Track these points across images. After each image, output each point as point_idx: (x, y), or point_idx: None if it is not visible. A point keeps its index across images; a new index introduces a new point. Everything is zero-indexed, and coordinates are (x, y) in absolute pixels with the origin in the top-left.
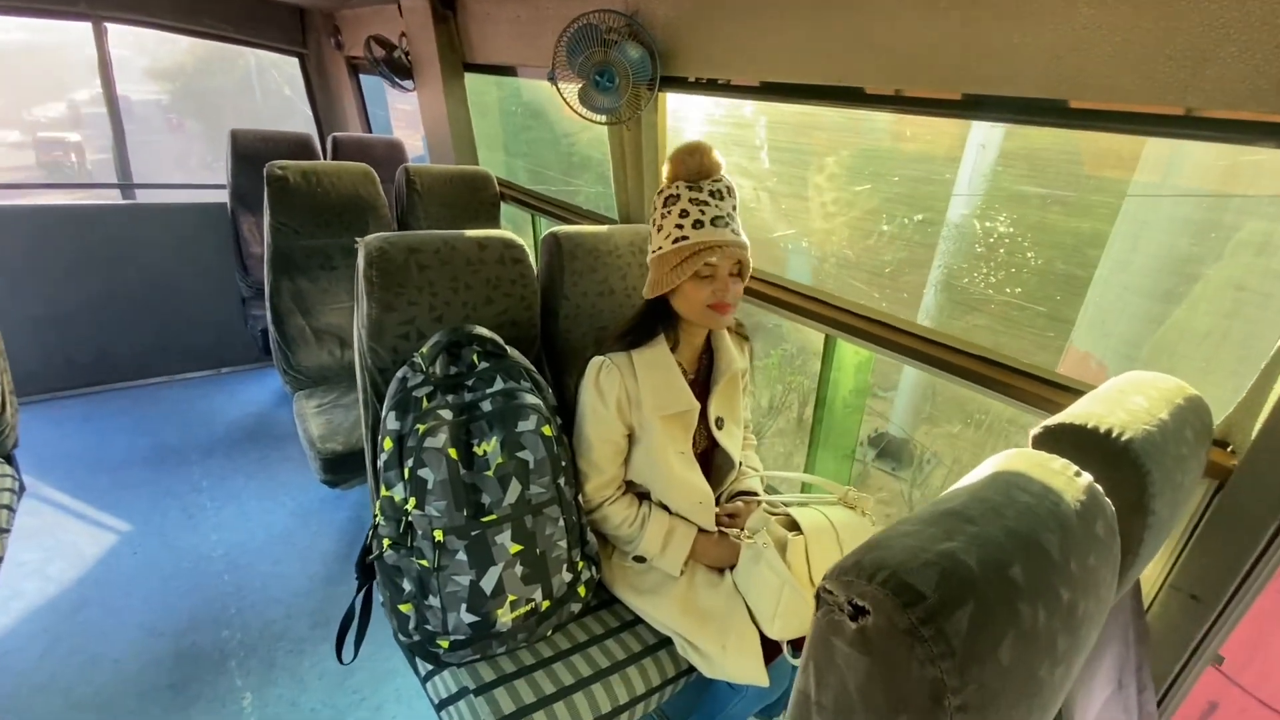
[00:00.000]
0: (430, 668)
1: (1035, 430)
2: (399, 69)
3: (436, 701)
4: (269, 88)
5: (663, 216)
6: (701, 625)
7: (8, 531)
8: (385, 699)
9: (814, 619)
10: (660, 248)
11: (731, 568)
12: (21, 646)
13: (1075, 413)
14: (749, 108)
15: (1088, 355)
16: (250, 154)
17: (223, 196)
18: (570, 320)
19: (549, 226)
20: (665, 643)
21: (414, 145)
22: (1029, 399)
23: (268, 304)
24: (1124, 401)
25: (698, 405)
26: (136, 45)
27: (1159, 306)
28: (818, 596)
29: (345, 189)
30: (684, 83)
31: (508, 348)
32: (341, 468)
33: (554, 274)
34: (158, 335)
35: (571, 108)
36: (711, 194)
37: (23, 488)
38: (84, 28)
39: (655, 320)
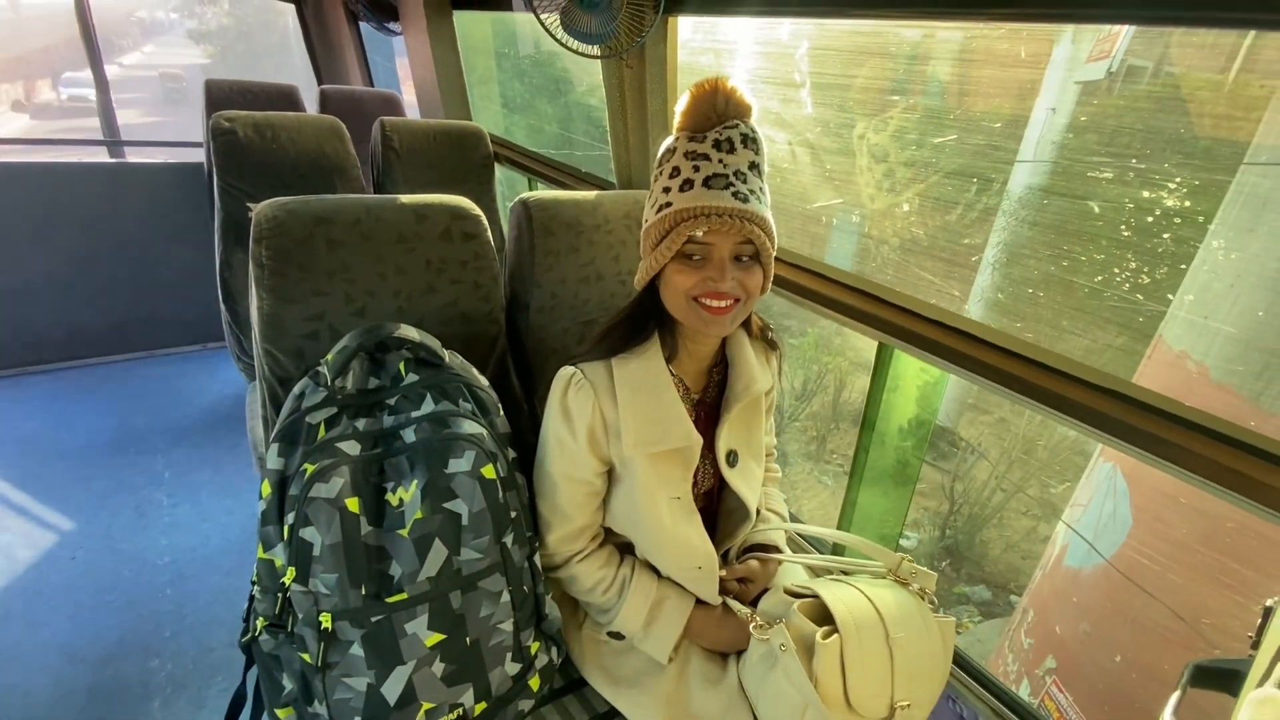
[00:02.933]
0: None
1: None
2: (384, 8)
3: None
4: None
5: (655, 179)
6: None
7: None
8: None
9: None
10: (646, 220)
11: (739, 655)
12: None
13: None
14: (785, 30)
15: (1183, 355)
16: (227, 107)
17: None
18: (545, 314)
19: None
20: None
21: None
22: (1208, 470)
23: (218, 280)
24: None
25: (699, 441)
26: (184, 7)
27: None
28: None
29: (308, 145)
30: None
31: (447, 354)
32: None
33: (522, 253)
34: (136, 306)
35: (556, 39)
36: (716, 144)
37: None
38: None
39: (647, 318)
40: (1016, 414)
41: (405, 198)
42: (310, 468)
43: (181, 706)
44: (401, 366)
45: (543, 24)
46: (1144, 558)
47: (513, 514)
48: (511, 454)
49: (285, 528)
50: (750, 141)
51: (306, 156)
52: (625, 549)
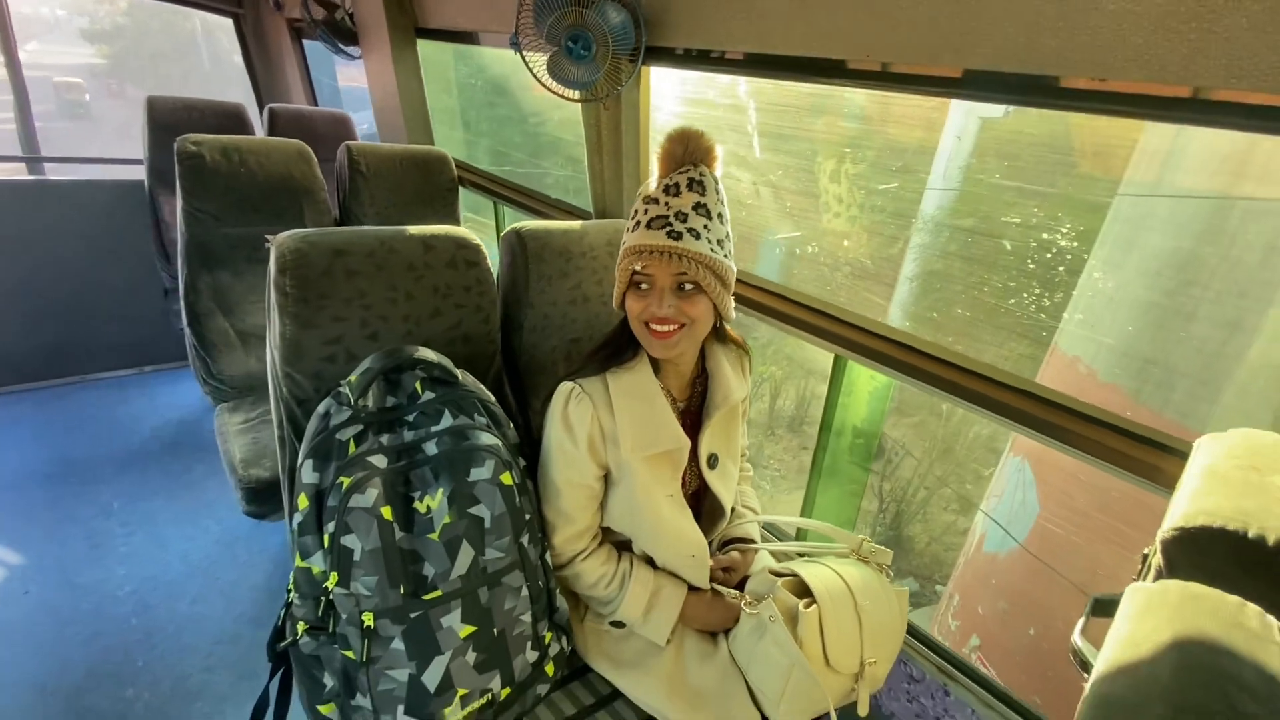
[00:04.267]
0: None
1: (1165, 534)
2: (343, 33)
3: None
4: (219, 54)
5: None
6: (693, 708)
7: None
8: None
9: None
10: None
11: (726, 632)
12: None
13: (1216, 511)
14: (744, 86)
15: (1075, 360)
16: (172, 125)
17: (142, 173)
18: (537, 333)
19: (515, 216)
20: None
21: (368, 122)
22: (1097, 450)
23: (182, 303)
24: (1269, 488)
25: (688, 443)
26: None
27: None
28: None
29: (275, 169)
30: (671, 54)
31: (459, 373)
32: (269, 499)
33: (517, 278)
34: (68, 329)
35: (540, 82)
36: (665, 189)
37: None
38: None
39: (631, 337)
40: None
41: (413, 229)
42: (346, 480)
43: None
44: (418, 385)
45: (528, 66)
46: (1054, 526)
47: (527, 516)
48: (522, 462)
49: (325, 537)
50: (696, 185)
51: (274, 180)
52: (621, 547)
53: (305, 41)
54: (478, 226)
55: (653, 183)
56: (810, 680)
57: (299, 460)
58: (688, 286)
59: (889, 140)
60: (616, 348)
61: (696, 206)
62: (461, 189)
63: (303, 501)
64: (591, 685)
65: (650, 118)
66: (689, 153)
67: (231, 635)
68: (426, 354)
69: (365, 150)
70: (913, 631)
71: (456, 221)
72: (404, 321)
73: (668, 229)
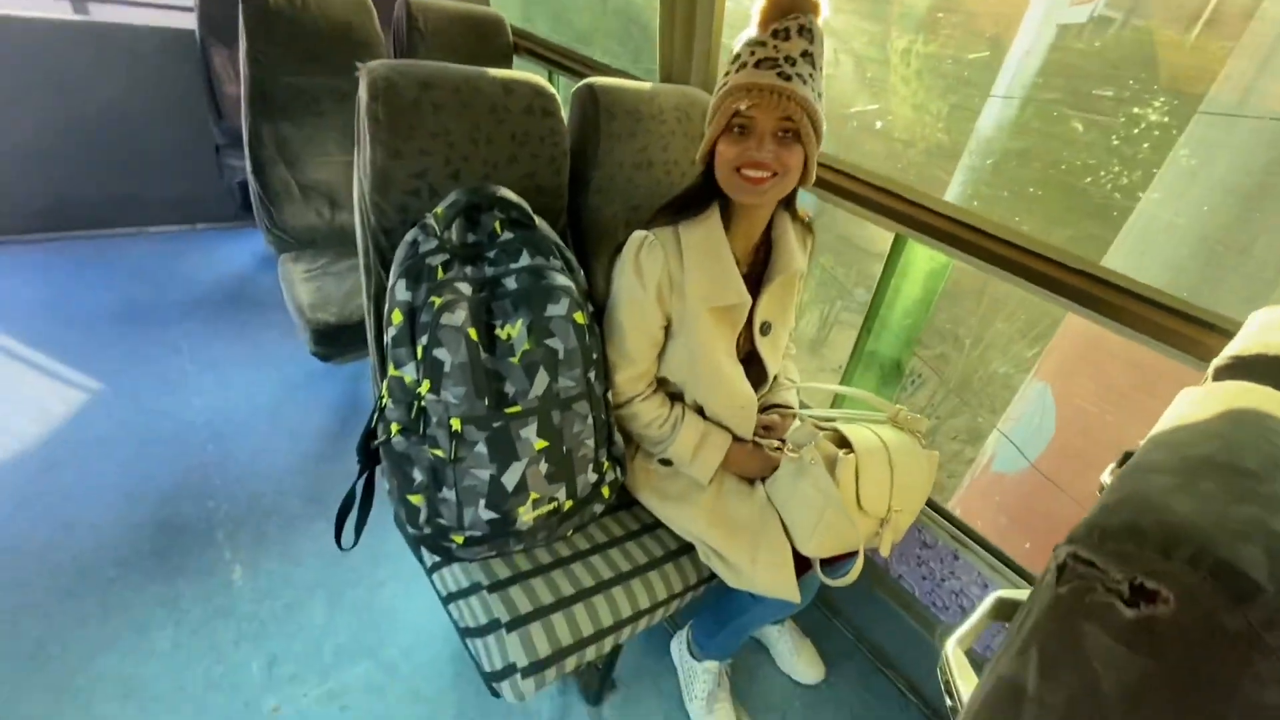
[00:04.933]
0: (438, 559)
1: (1219, 362)
2: None
3: (445, 594)
4: None
5: (724, 72)
6: (730, 536)
7: None
8: (385, 577)
9: (1047, 591)
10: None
11: (763, 480)
12: None
13: (1267, 341)
14: None
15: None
16: None
17: (185, 21)
18: (601, 194)
19: (570, 88)
20: (688, 548)
21: None
22: (1150, 329)
23: (246, 151)
24: None
25: (749, 300)
26: None
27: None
28: (1063, 567)
29: (336, 18)
30: None
31: (536, 217)
32: (335, 340)
33: (587, 135)
34: (122, 181)
35: None
36: (774, 33)
37: None
38: None
39: (710, 192)
40: (956, 348)
41: (494, 71)
42: (437, 300)
43: (244, 538)
44: (497, 225)
45: None
46: (1089, 405)
47: (594, 355)
48: (590, 306)
49: (418, 349)
50: (805, 32)
51: (335, 29)
52: (673, 398)
53: None
54: None
55: (753, 29)
56: (843, 518)
57: (391, 281)
58: (788, 133)
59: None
60: (691, 199)
61: (804, 54)
62: (515, 57)
63: (396, 316)
64: (638, 515)
65: None
66: (798, 2)
67: (299, 468)
68: (507, 194)
69: (424, 6)
70: (930, 503)
71: None
72: (483, 164)
73: (778, 70)
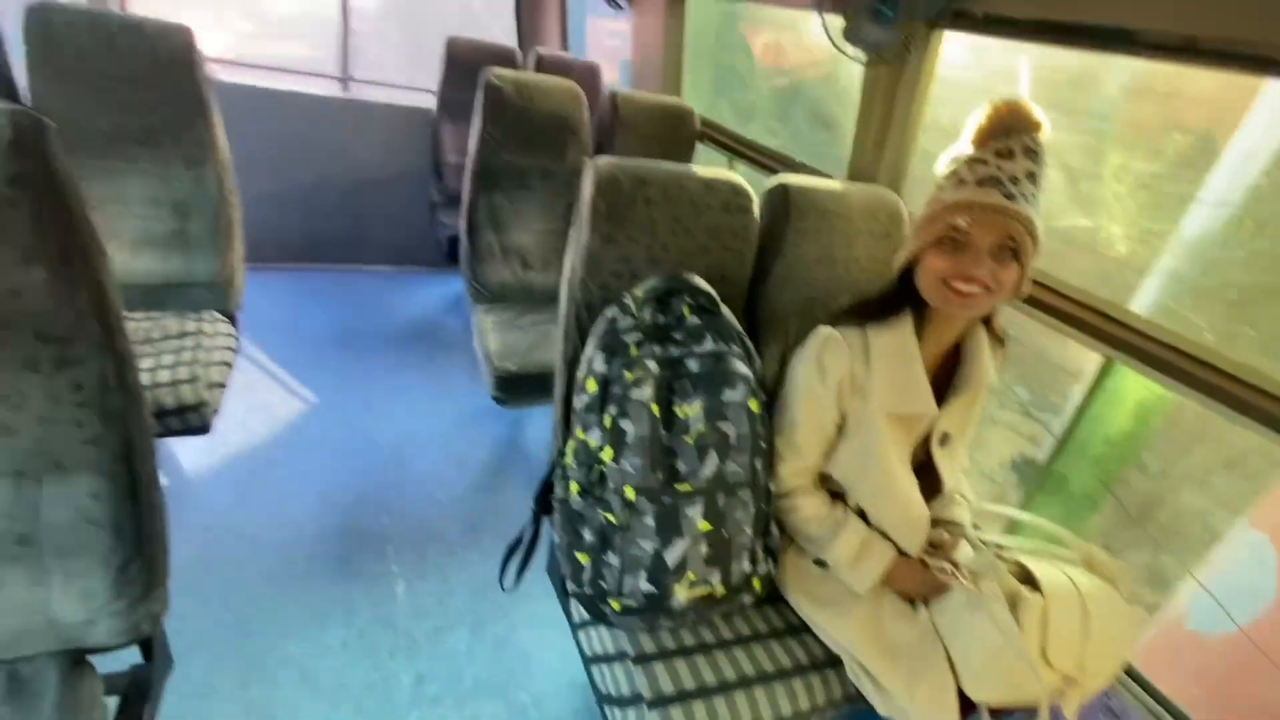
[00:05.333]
0: (588, 619)
1: None
2: None
3: (589, 654)
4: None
5: (937, 187)
6: (886, 658)
7: (224, 386)
8: (522, 620)
9: None
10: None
11: (925, 602)
12: (221, 489)
13: None
14: (1014, 54)
15: None
16: (461, 61)
17: (425, 101)
18: (779, 285)
19: (746, 174)
20: (835, 661)
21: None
22: None
23: (464, 217)
24: None
25: (936, 411)
26: None
27: None
28: None
29: (552, 107)
30: (973, 19)
31: (722, 305)
32: (514, 388)
33: (776, 230)
34: (355, 225)
35: (833, 41)
36: (996, 152)
37: (238, 344)
38: None
39: (904, 298)
40: (1141, 472)
41: (699, 170)
42: (630, 375)
43: (409, 556)
44: (686, 309)
45: (825, 25)
46: None
47: (763, 444)
48: (763, 396)
49: (606, 417)
50: (1031, 153)
51: (552, 117)
52: (835, 498)
53: None
54: None
55: (967, 146)
56: (1025, 667)
57: (588, 351)
58: (1006, 250)
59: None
60: (885, 304)
61: (1029, 175)
62: (699, 144)
63: (591, 385)
64: (785, 615)
65: (934, 83)
66: (1020, 121)
67: (461, 497)
68: (698, 282)
69: (628, 99)
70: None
71: None
72: (679, 253)
73: (1003, 190)
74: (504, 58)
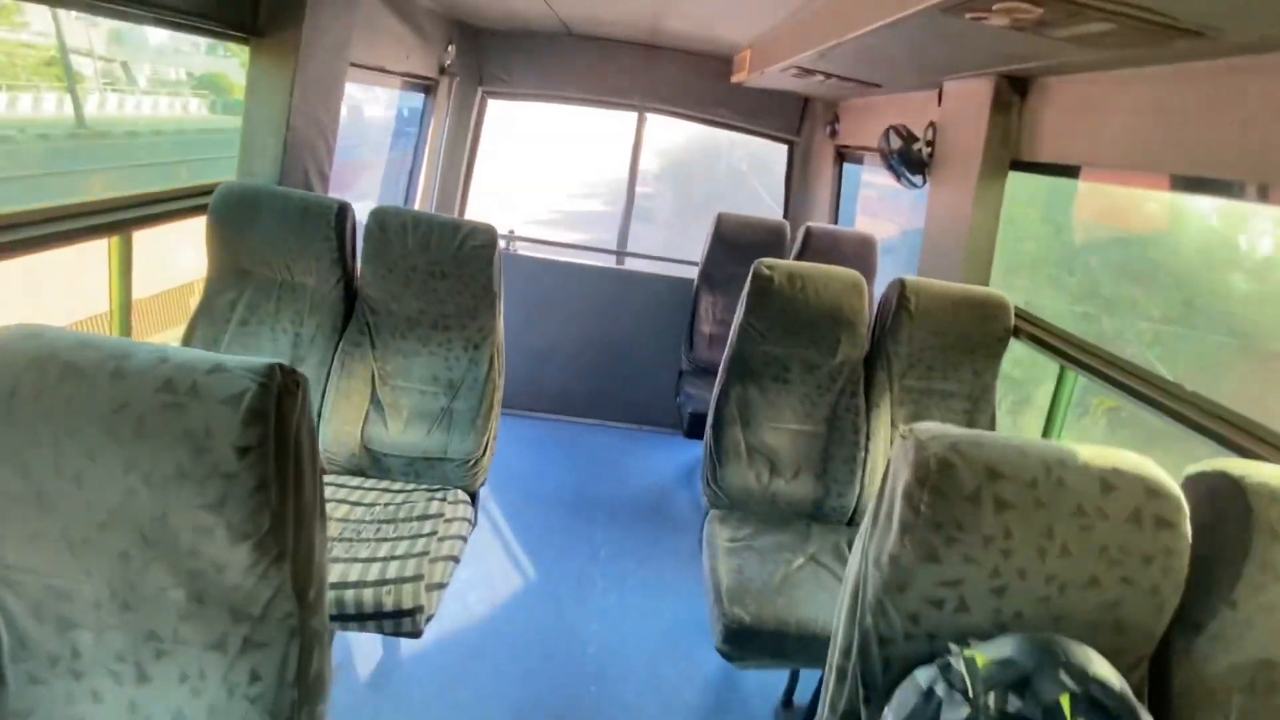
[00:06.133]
0: None
1: None
2: (913, 163)
3: None
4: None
5: None
6: None
7: (444, 586)
8: None
9: None
10: None
11: None
12: (425, 679)
13: None
14: None
15: None
16: (728, 237)
17: (687, 272)
18: (1219, 642)
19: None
20: None
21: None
22: None
23: (712, 410)
24: None
25: None
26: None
27: None
28: None
29: (828, 298)
30: None
31: (1128, 694)
32: (746, 643)
33: (1216, 550)
34: (605, 382)
35: None
36: None
37: (474, 525)
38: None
39: None
40: None
41: (1092, 459)
42: None
43: None
44: (1065, 701)
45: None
46: None
47: None
48: None
49: None
50: None
51: (825, 308)
52: None
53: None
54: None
55: None
56: None
57: None
58: None
59: None
60: None
61: None
62: (1014, 341)
63: None
64: None
65: None
66: None
67: None
68: (1094, 663)
69: (920, 287)
70: None
71: (993, 380)
72: (1045, 584)
73: None
74: (771, 233)
